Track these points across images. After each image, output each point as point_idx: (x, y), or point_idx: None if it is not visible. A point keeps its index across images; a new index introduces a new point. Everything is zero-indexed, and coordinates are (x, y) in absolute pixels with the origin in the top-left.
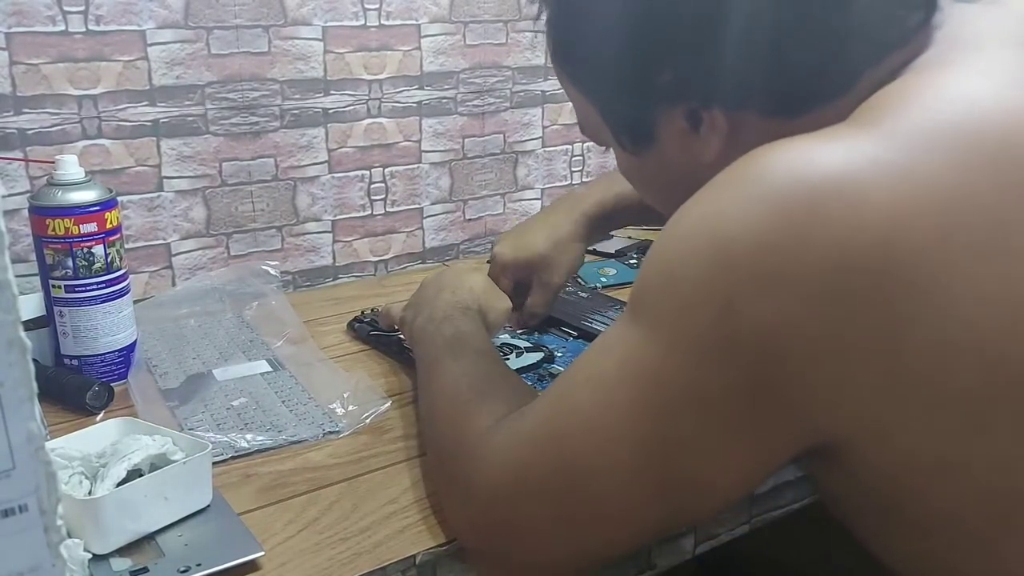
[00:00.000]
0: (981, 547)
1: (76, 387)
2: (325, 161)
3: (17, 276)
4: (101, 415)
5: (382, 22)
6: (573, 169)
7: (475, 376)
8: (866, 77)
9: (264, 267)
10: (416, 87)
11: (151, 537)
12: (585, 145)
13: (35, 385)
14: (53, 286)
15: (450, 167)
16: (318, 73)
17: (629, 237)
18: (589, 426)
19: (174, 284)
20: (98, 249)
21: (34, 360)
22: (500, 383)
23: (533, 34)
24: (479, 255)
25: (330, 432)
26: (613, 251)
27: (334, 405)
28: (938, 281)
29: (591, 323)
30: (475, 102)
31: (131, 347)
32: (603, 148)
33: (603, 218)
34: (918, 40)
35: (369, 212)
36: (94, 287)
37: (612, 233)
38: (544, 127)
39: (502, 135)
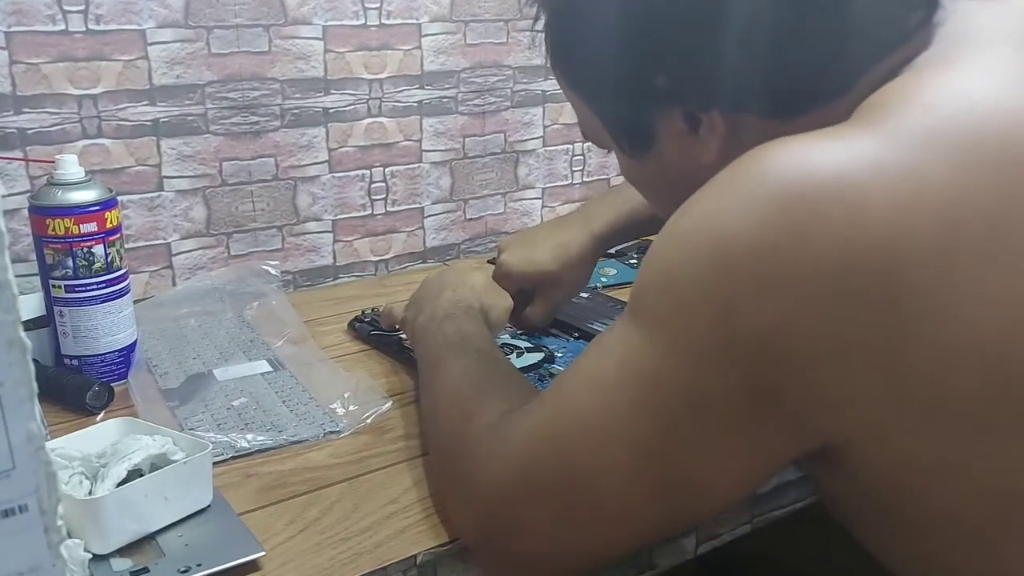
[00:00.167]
0: (981, 547)
1: (76, 387)
2: (325, 161)
3: (17, 276)
4: (101, 415)
5: (382, 21)
6: (574, 168)
7: (477, 374)
8: (866, 76)
9: (264, 267)
10: (417, 86)
11: (151, 537)
12: (586, 145)
13: (35, 385)
14: (53, 286)
15: (451, 166)
16: (318, 72)
17: None
18: (588, 427)
19: (174, 284)
20: (98, 249)
21: (34, 360)
22: (502, 381)
23: (533, 34)
24: (480, 255)
25: (331, 432)
26: (613, 251)
27: (335, 405)
28: (939, 282)
29: (592, 324)
30: (476, 101)
31: (131, 347)
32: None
33: (613, 238)
34: (919, 38)
35: (370, 212)
36: (94, 287)
37: None
38: (545, 126)
39: (503, 134)
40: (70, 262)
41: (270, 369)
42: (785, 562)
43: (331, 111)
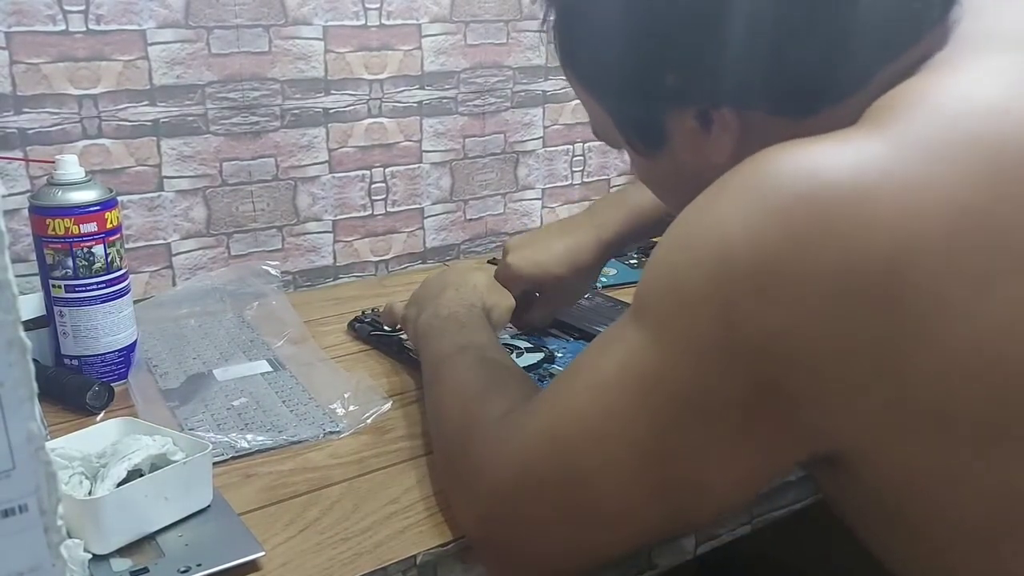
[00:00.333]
0: (981, 547)
1: (76, 387)
2: (326, 161)
3: (17, 276)
4: (101, 415)
5: (383, 22)
6: (574, 169)
7: (480, 373)
8: (881, 74)
9: (265, 267)
10: (417, 87)
11: (151, 537)
12: (586, 145)
13: (35, 385)
14: (53, 286)
15: (451, 167)
16: (319, 73)
17: None
18: (588, 427)
19: (174, 284)
20: (98, 249)
21: (34, 360)
22: (506, 379)
23: (534, 34)
24: (480, 255)
25: (331, 432)
26: None
27: (335, 405)
28: (943, 287)
29: (592, 324)
30: (476, 102)
31: (131, 347)
32: (608, 149)
33: (621, 245)
34: (935, 36)
35: (370, 212)
36: (94, 287)
37: None
38: (545, 127)
39: (503, 135)
40: (70, 262)
41: (270, 369)
42: (785, 562)
43: (331, 111)
